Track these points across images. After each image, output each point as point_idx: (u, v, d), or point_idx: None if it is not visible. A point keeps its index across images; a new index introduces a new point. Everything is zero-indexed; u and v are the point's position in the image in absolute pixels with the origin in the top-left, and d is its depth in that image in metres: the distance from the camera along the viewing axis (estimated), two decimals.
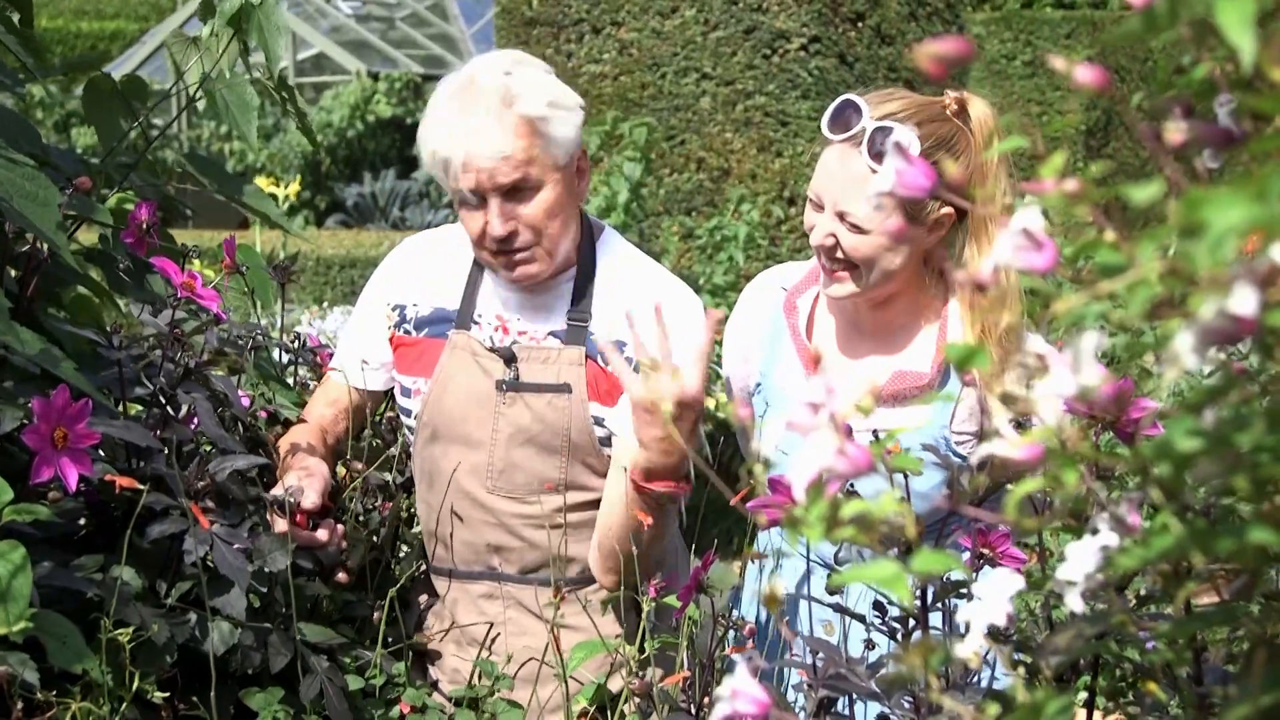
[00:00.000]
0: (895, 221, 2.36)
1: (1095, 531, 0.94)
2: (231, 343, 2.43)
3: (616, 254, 2.62)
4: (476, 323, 2.59)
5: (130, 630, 1.87)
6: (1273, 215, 0.62)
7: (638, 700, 1.99)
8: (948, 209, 2.40)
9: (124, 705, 1.88)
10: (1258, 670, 0.78)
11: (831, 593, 1.81)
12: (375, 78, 21.54)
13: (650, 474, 2.27)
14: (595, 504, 2.50)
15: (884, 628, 1.75)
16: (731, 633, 2.02)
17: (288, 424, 2.64)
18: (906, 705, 1.59)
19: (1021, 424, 0.95)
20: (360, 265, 13.35)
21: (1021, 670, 1.34)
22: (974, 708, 1.04)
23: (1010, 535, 1.77)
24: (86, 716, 1.84)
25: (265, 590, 2.16)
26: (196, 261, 3.02)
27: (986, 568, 1.74)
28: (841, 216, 2.40)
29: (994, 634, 1.43)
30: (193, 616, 2.03)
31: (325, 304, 11.02)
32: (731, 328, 2.76)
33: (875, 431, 1.59)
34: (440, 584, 2.66)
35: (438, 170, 2.45)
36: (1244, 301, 0.66)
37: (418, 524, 2.69)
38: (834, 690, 1.67)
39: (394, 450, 2.70)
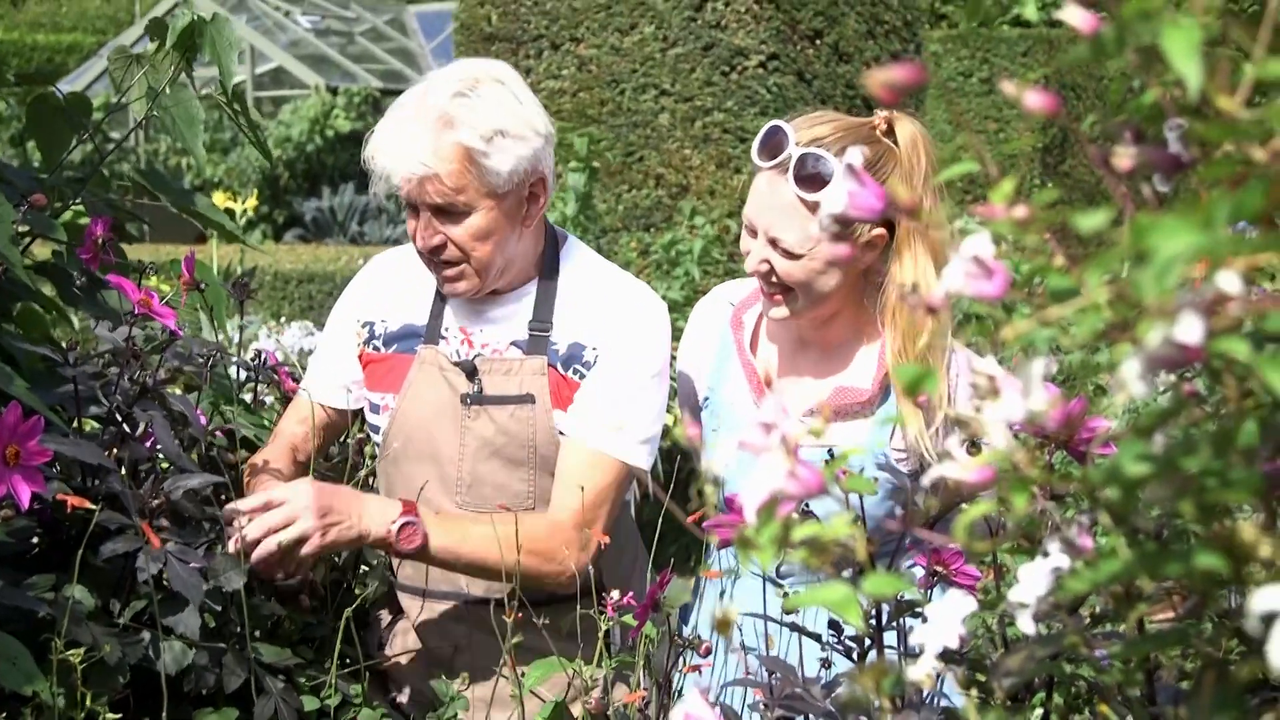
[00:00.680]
0: (830, 247, 2.38)
1: (1047, 554, 0.95)
2: (189, 359, 2.42)
3: (580, 262, 2.62)
4: (444, 336, 2.59)
5: (82, 651, 1.86)
6: (1219, 243, 0.62)
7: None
8: (879, 229, 2.42)
9: None
10: (1207, 690, 0.79)
11: (787, 612, 1.81)
12: (334, 92, 21.46)
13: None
14: None
15: (839, 647, 1.75)
16: (688, 651, 2.01)
17: (246, 444, 2.63)
18: None
19: (975, 444, 0.95)
20: (319, 280, 13.28)
21: (975, 691, 1.34)
22: None
23: (963, 554, 1.77)
24: None
25: (220, 610, 2.14)
26: (154, 277, 3.00)
27: (941, 586, 1.74)
28: (774, 243, 2.42)
29: (948, 655, 1.44)
30: (146, 636, 2.02)
31: (283, 318, 10.96)
32: (683, 343, 2.78)
33: (831, 451, 1.59)
34: (407, 603, 2.65)
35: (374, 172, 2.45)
36: (1189, 330, 0.66)
37: None
38: (789, 710, 1.67)
39: (362, 472, 2.68)
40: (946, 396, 2.40)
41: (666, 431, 5.75)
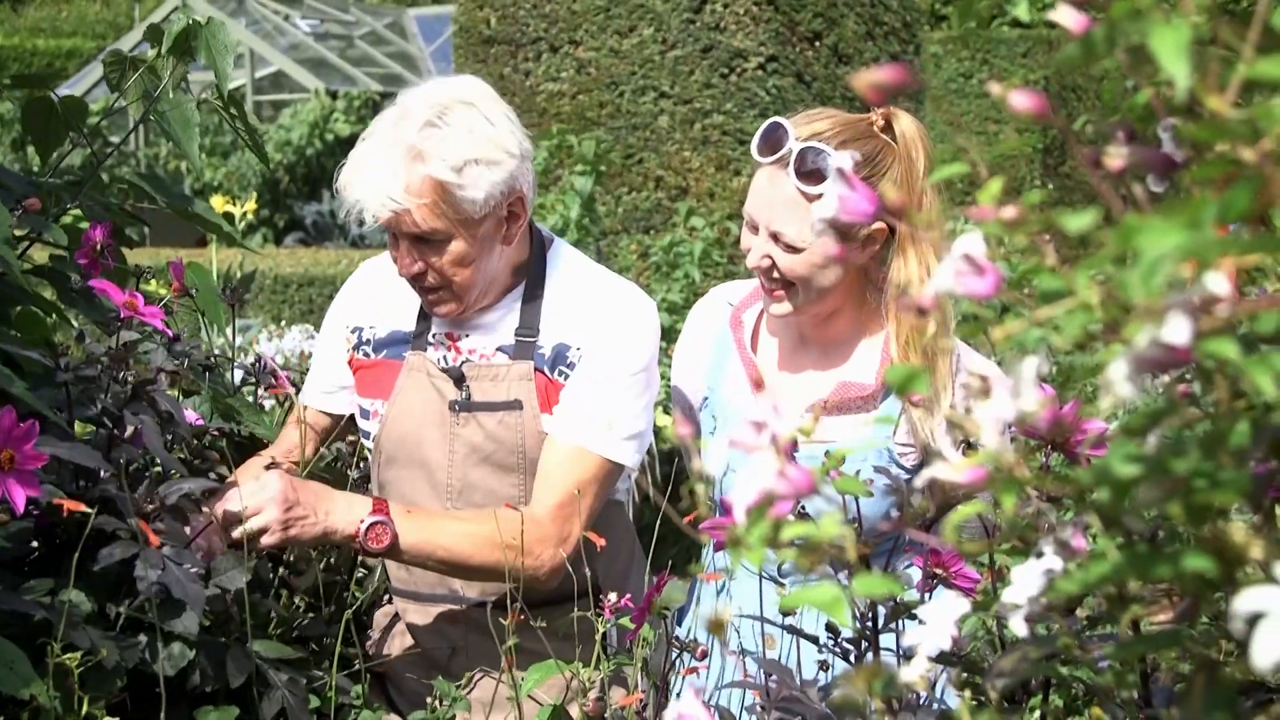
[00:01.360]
0: (830, 243, 2.38)
1: (1041, 555, 0.95)
2: (183, 356, 2.42)
3: (567, 265, 2.61)
4: (431, 343, 2.59)
5: (79, 654, 1.85)
6: (1206, 244, 0.62)
7: None
8: (879, 225, 2.42)
9: None
10: (1199, 692, 0.78)
11: (784, 613, 1.81)
12: (334, 96, 21.46)
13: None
14: None
15: (836, 649, 1.75)
16: (684, 654, 2.01)
17: (241, 444, 2.63)
18: None
19: (971, 445, 0.95)
20: (319, 284, 13.29)
21: (969, 692, 1.34)
22: None
23: (962, 556, 1.77)
24: None
25: (219, 611, 2.14)
26: (153, 281, 3.00)
27: (940, 589, 1.74)
28: (775, 237, 2.43)
29: (942, 656, 1.44)
30: (143, 638, 2.01)
31: (283, 322, 10.97)
32: (681, 343, 2.78)
33: (828, 450, 1.59)
34: (403, 606, 2.65)
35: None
36: (1177, 331, 0.66)
37: None
38: (787, 713, 1.67)
39: (353, 474, 2.68)
40: (950, 391, 2.40)
41: (667, 434, 5.75)
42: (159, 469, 2.29)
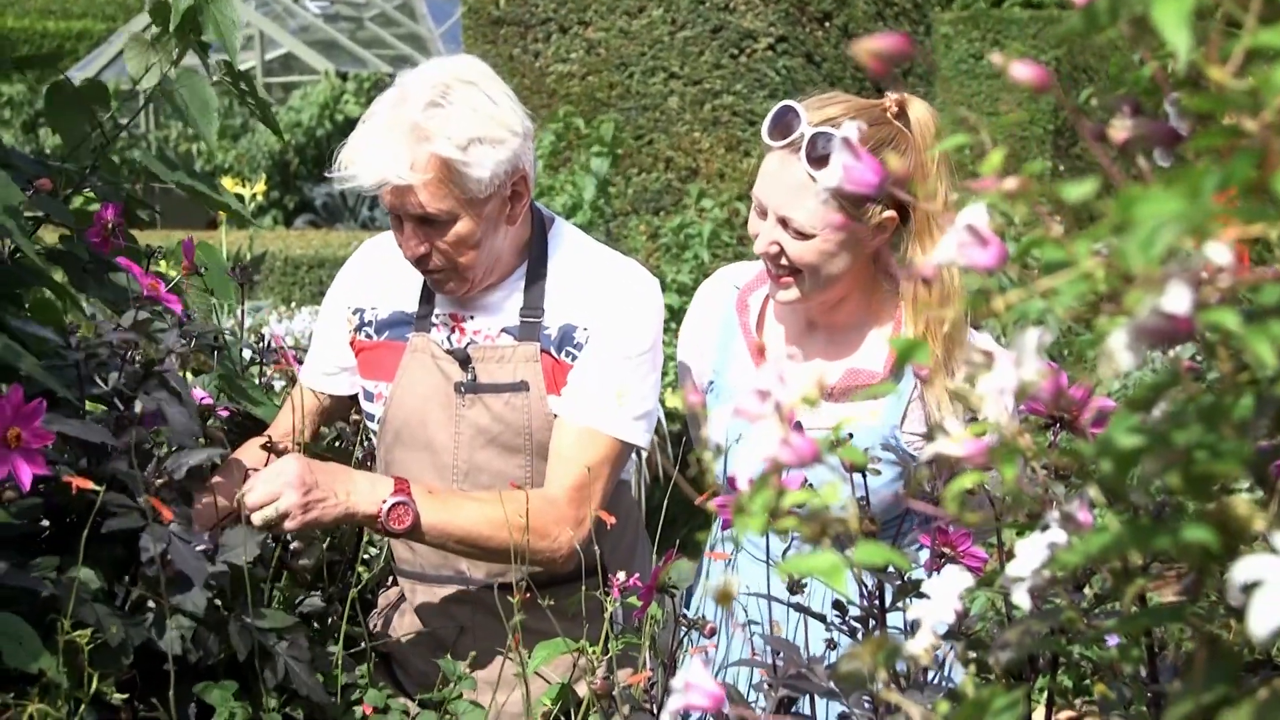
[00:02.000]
0: (839, 218, 2.37)
1: (1046, 528, 0.95)
2: (194, 337, 2.42)
3: (569, 245, 2.61)
4: (435, 324, 2.58)
5: (88, 631, 1.86)
6: (1205, 213, 0.62)
7: (600, 701, 1.99)
8: (890, 212, 2.41)
9: (82, 707, 1.87)
10: (1200, 666, 0.78)
11: (792, 592, 1.81)
12: (344, 77, 21.46)
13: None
14: None
15: (844, 627, 1.75)
16: (693, 632, 2.01)
17: (244, 424, 2.64)
18: (866, 705, 1.59)
19: (976, 421, 0.95)
20: (329, 265, 13.31)
21: (973, 668, 1.34)
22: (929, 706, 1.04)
23: (970, 535, 1.77)
24: (44, 718, 1.82)
25: (223, 586, 2.14)
26: (163, 262, 3.00)
27: (948, 567, 1.74)
28: (784, 223, 2.41)
29: (950, 631, 1.44)
30: (150, 616, 2.02)
31: (293, 304, 10.98)
32: (686, 325, 2.77)
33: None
34: (408, 586, 2.65)
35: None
36: (1178, 300, 0.66)
37: None
38: (794, 690, 1.67)
39: (357, 452, 2.69)
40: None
41: (677, 415, 5.75)
42: (168, 448, 2.29)
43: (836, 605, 1.76)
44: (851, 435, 1.28)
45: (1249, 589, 0.65)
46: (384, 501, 2.30)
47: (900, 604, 1.66)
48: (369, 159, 2.36)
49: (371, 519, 2.30)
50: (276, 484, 2.22)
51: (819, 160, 2.34)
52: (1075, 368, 1.23)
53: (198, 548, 2.04)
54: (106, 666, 1.91)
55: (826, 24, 8.00)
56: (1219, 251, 0.66)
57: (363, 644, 2.40)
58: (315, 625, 2.40)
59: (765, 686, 1.71)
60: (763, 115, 2.49)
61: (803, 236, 2.40)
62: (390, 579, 2.72)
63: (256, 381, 2.85)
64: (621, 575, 2.06)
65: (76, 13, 30.48)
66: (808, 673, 1.67)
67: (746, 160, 7.77)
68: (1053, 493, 1.02)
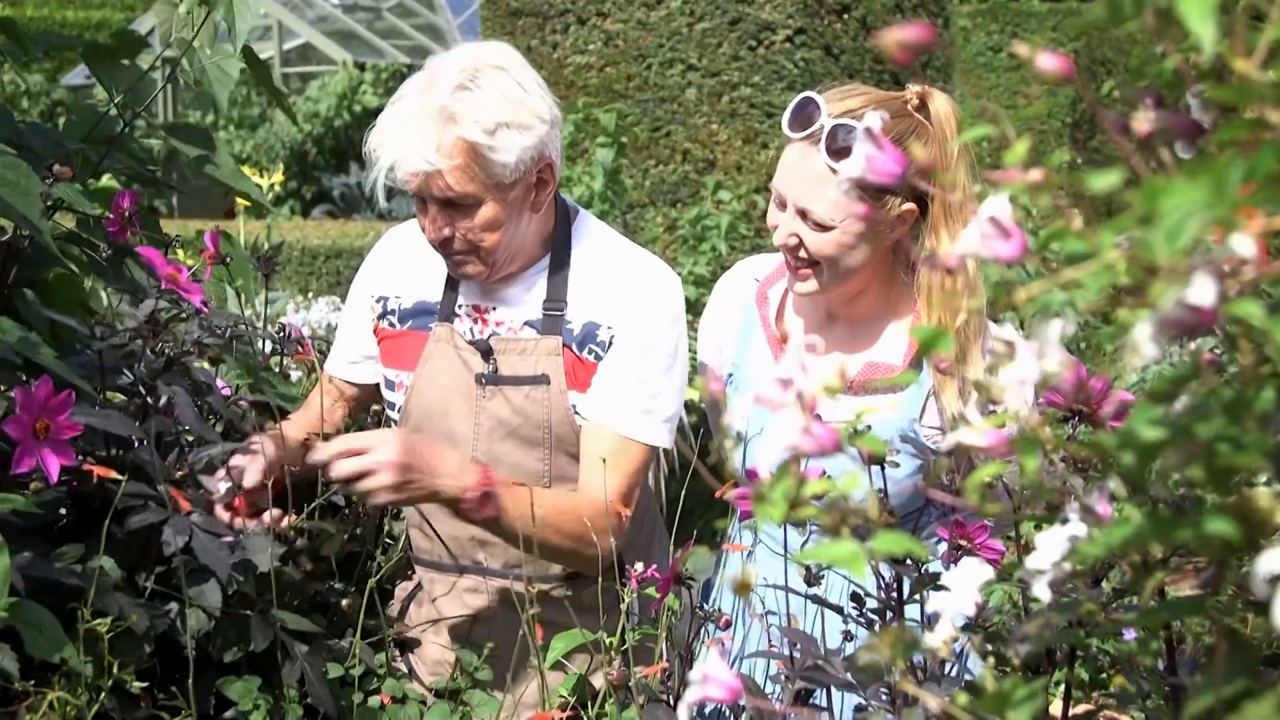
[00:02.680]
0: (859, 208, 2.37)
1: (1066, 521, 0.95)
2: (213, 331, 2.42)
3: (592, 238, 2.60)
4: (457, 314, 2.58)
5: (109, 620, 1.87)
6: (1231, 205, 0.62)
7: (617, 692, 1.99)
8: (909, 205, 2.41)
9: (102, 695, 1.87)
10: (1220, 660, 0.78)
11: (810, 584, 1.81)
12: (362, 68, 21.46)
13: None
14: None
15: (861, 619, 1.75)
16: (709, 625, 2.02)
17: (277, 411, 2.64)
18: (883, 697, 1.59)
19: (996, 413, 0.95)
20: (346, 255, 13.32)
21: (993, 660, 1.34)
22: (947, 698, 1.04)
23: (988, 528, 1.77)
24: (64, 706, 1.83)
25: (242, 579, 2.15)
26: (180, 251, 3.01)
27: (966, 559, 1.74)
28: (804, 214, 2.41)
29: (969, 624, 1.44)
30: (173, 606, 2.03)
31: (311, 294, 10.99)
32: (705, 318, 2.77)
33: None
34: (425, 576, 2.66)
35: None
36: (1203, 292, 0.66)
37: (403, 517, 2.68)
38: (811, 682, 1.67)
39: None
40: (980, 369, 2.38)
41: (694, 407, 5.74)
42: (191, 438, 2.30)
43: (854, 597, 1.76)
44: (870, 427, 1.29)
45: (1274, 581, 0.65)
46: (471, 491, 2.29)
47: (917, 596, 1.66)
48: (397, 142, 2.36)
49: (453, 501, 2.31)
50: (375, 460, 2.22)
51: (839, 152, 2.34)
52: (1094, 360, 1.22)
53: (224, 539, 2.05)
54: (128, 655, 1.92)
55: (845, 16, 7.98)
56: (1244, 244, 0.66)
57: (380, 634, 2.40)
58: (333, 615, 2.40)
59: (782, 678, 1.71)
60: (781, 107, 2.49)
61: (822, 228, 2.39)
62: (408, 569, 2.72)
63: (275, 371, 2.86)
64: (639, 566, 2.06)
65: (95, 2, 30.51)
66: (825, 664, 1.67)
67: (764, 152, 7.76)
68: (1071, 485, 1.02)
